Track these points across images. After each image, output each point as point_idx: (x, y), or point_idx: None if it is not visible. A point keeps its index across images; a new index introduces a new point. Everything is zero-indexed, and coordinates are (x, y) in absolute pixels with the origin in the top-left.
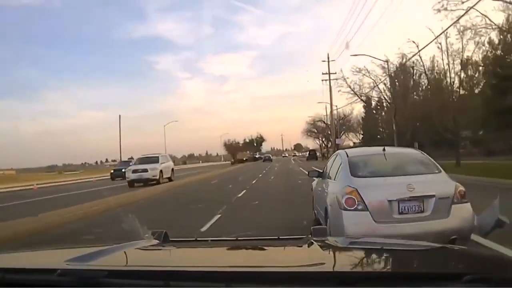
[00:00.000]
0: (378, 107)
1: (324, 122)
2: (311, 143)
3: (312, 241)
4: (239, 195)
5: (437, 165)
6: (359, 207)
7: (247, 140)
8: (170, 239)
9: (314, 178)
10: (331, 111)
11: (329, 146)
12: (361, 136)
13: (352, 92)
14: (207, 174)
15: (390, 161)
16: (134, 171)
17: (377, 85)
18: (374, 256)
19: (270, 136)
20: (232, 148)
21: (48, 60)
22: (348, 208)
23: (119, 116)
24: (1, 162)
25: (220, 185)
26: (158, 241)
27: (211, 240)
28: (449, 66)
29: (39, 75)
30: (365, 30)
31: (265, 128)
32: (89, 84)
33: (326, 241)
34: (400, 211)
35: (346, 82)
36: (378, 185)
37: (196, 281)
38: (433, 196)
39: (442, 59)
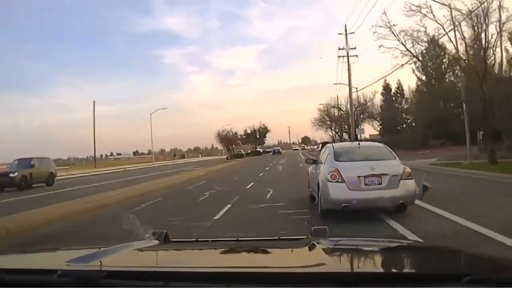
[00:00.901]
0: (398, 94)
1: (339, 108)
2: (320, 136)
3: (313, 241)
4: None
5: (394, 154)
6: (339, 180)
7: (248, 131)
8: (171, 239)
9: (309, 164)
10: (350, 94)
11: (344, 137)
12: (379, 127)
13: (403, 47)
14: (158, 181)
15: (362, 152)
16: None
17: (458, 24)
18: (375, 256)
19: (276, 129)
20: (227, 140)
21: (54, 54)
22: (332, 180)
23: (93, 102)
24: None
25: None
26: (158, 242)
27: (212, 240)
28: None
29: (46, 69)
30: None
31: (272, 121)
32: (97, 78)
33: (327, 242)
34: (365, 183)
35: (393, 32)
36: (352, 167)
37: (196, 281)
38: (388, 174)
39: None
